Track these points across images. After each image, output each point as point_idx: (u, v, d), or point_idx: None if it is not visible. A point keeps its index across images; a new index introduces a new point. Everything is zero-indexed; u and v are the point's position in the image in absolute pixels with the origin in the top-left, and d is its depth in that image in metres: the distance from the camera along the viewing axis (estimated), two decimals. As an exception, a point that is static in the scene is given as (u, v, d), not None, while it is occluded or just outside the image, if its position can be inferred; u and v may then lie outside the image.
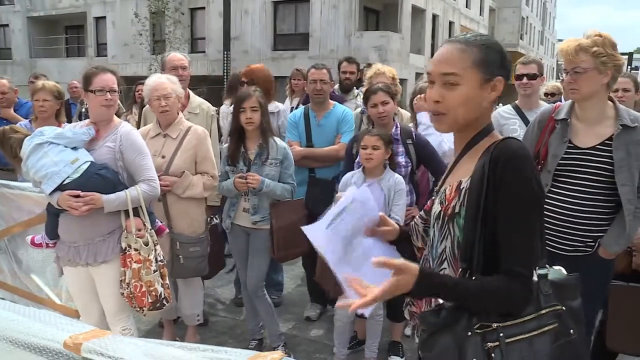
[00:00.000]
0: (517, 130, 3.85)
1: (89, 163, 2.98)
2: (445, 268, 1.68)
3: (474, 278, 1.54)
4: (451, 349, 1.51)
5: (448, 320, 1.53)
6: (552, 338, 1.51)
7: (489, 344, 1.47)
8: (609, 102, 2.80)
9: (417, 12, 25.67)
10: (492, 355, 1.46)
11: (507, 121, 3.93)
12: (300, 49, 23.10)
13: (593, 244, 2.75)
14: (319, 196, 3.92)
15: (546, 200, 2.80)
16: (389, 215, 3.42)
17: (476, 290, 1.50)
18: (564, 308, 1.54)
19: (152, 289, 3.09)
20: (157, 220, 3.42)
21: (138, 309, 3.15)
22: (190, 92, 4.37)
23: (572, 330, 1.53)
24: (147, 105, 3.95)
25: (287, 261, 4.27)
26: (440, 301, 1.56)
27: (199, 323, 4.12)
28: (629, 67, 32.93)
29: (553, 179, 2.81)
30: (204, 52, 25.60)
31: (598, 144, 2.72)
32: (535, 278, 1.55)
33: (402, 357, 3.91)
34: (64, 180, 2.93)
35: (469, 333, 1.49)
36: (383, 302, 3.94)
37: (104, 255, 3.11)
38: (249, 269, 3.83)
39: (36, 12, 30.66)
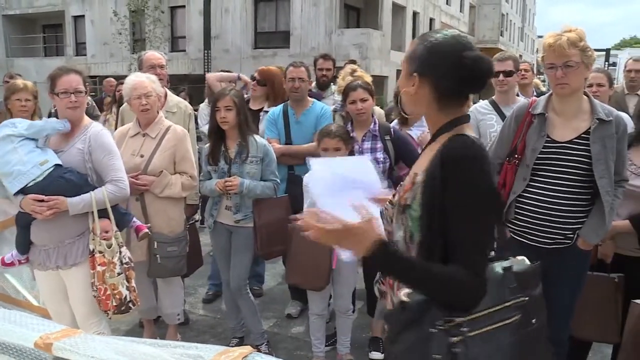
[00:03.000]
0: (494, 125, 3.89)
1: (54, 166, 2.95)
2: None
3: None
4: (416, 346, 1.52)
5: (412, 318, 1.54)
6: (515, 328, 1.53)
7: (453, 339, 1.48)
8: (584, 96, 2.84)
9: (398, 9, 25.74)
10: (455, 350, 1.48)
11: (484, 116, 3.96)
12: (281, 47, 23.02)
13: (572, 235, 2.80)
14: (298, 193, 3.91)
15: (525, 194, 2.85)
16: None
17: (429, 275, 1.52)
18: (527, 299, 1.56)
19: (116, 292, 3.05)
20: (135, 219, 3.40)
21: (104, 312, 3.12)
22: (168, 91, 4.35)
23: (534, 320, 1.56)
24: (125, 104, 3.93)
25: (271, 258, 4.26)
26: (404, 299, 1.56)
27: (179, 322, 4.11)
28: (606, 63, 33.38)
29: (531, 173, 2.84)
30: (184, 50, 25.43)
31: (575, 138, 2.77)
32: (500, 271, 1.57)
33: (382, 353, 3.93)
34: (29, 183, 2.90)
35: (433, 329, 1.50)
36: (356, 298, 3.99)
37: (74, 257, 3.08)
38: (232, 268, 3.82)
39: (12, 11, 30.12)
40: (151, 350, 1.14)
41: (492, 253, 1.62)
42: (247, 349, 1.09)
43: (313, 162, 1.81)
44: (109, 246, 3.06)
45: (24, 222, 3.06)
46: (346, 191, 1.73)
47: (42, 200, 2.89)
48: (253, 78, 4.93)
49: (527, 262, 1.67)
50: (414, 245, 1.63)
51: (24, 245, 3.15)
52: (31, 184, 2.90)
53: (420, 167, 1.67)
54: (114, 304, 3.07)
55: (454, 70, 1.60)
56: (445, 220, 1.53)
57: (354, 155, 3.63)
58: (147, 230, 3.42)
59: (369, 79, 4.46)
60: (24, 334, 1.22)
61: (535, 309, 1.60)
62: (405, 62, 1.70)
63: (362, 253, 1.55)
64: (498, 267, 1.58)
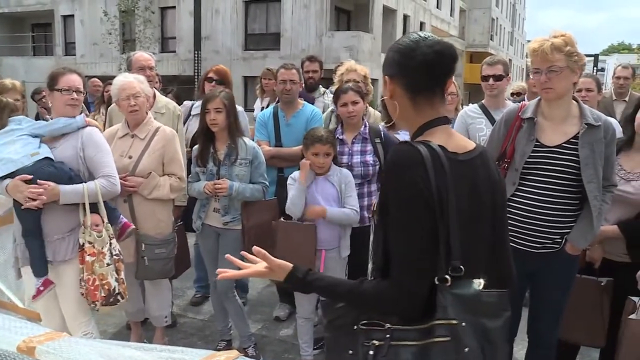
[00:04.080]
0: (483, 129, 3.89)
1: (45, 158, 3.00)
2: (372, 260, 1.79)
3: (355, 281, 1.63)
4: (339, 337, 1.61)
5: (342, 312, 1.62)
6: (442, 351, 1.44)
7: (374, 342, 1.51)
8: (573, 101, 2.85)
9: (388, 12, 25.84)
10: (370, 352, 1.50)
11: (473, 120, 3.97)
12: (272, 48, 23.05)
13: (560, 240, 2.80)
14: (287, 196, 3.89)
15: (514, 198, 2.85)
16: (344, 207, 3.50)
17: (345, 293, 1.62)
18: (463, 324, 1.45)
19: (104, 282, 3.06)
20: (121, 217, 3.38)
21: (92, 305, 3.10)
22: (157, 92, 4.32)
23: (466, 349, 1.44)
24: (113, 105, 3.90)
25: (259, 262, 4.23)
26: None
27: (167, 325, 4.08)
28: (595, 68, 33.69)
29: (520, 177, 2.84)
30: (174, 51, 25.38)
31: (564, 142, 2.77)
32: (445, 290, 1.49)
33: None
34: (17, 170, 2.93)
35: (355, 327, 1.56)
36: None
37: (63, 254, 3.07)
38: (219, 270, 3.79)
39: (0, 9, 29.95)
40: (137, 354, 1.12)
41: (461, 267, 1.50)
42: (233, 353, 1.08)
43: None
44: (100, 236, 3.07)
45: (31, 223, 3.01)
46: None
47: (30, 182, 2.90)
48: (210, 78, 4.74)
49: (478, 287, 1.52)
50: (378, 246, 1.65)
51: (41, 260, 3.05)
52: (19, 171, 2.94)
53: None
54: (102, 294, 3.06)
55: (419, 64, 1.61)
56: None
57: (336, 158, 3.63)
58: (133, 227, 3.41)
59: (366, 71, 4.46)
60: (7, 337, 1.20)
61: (479, 339, 1.47)
62: (382, 70, 1.74)
63: (282, 279, 1.73)
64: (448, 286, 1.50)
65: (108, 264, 3.08)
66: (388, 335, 1.49)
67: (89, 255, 3.03)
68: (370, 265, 1.75)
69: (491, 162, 1.73)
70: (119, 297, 3.14)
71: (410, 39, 1.65)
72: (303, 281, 1.68)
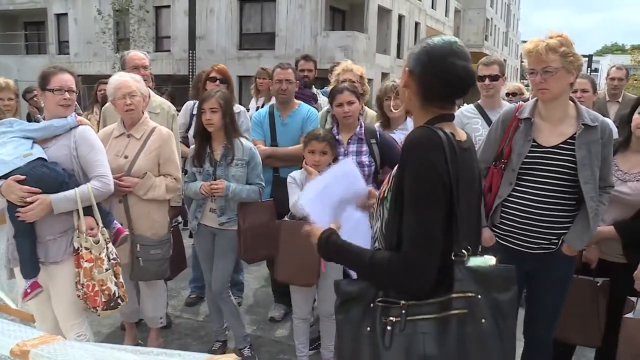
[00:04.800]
0: (479, 129, 3.89)
1: (38, 159, 2.96)
2: (376, 246, 1.80)
3: (369, 249, 1.72)
4: (355, 316, 1.63)
5: (359, 291, 1.66)
6: (458, 323, 1.53)
7: (392, 318, 1.55)
8: (570, 102, 2.85)
9: (383, 12, 25.83)
10: (389, 328, 1.54)
11: (469, 120, 3.97)
12: (267, 48, 23.00)
13: (557, 241, 2.80)
14: (283, 196, 3.88)
15: (511, 198, 2.85)
16: None
17: (364, 260, 1.66)
18: (479, 296, 1.55)
19: (104, 287, 3.04)
20: (115, 222, 3.35)
21: (92, 310, 3.08)
22: (151, 92, 4.29)
23: (483, 320, 1.54)
24: (108, 104, 3.87)
25: (255, 262, 4.23)
26: (355, 274, 1.70)
27: (162, 326, 4.05)
28: (588, 69, 33.84)
29: (517, 178, 2.84)
30: (169, 51, 25.29)
31: (561, 143, 2.77)
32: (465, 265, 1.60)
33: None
34: (10, 172, 2.90)
35: (372, 304, 1.60)
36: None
37: (54, 255, 3.04)
38: (214, 270, 3.79)
39: (-8, 7, 29.80)
40: (132, 357, 1.11)
41: (468, 247, 1.62)
42: (231, 356, 1.07)
43: (301, 199, 2.01)
44: (97, 242, 3.04)
45: (22, 225, 2.97)
46: (346, 217, 1.94)
47: (23, 182, 2.88)
48: (214, 78, 4.68)
49: (491, 261, 1.67)
50: (388, 234, 1.71)
51: (31, 262, 3.03)
52: (12, 173, 2.91)
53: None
54: (103, 299, 3.04)
55: (440, 72, 1.68)
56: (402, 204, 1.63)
57: (338, 160, 3.61)
58: (126, 233, 3.37)
59: (362, 71, 4.45)
60: (0, 340, 1.18)
61: (493, 312, 1.57)
62: (405, 60, 1.79)
63: (315, 241, 1.83)
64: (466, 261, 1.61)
65: (107, 269, 3.07)
66: (404, 311, 1.54)
67: (86, 261, 2.99)
68: (378, 246, 1.79)
69: (474, 151, 1.89)
70: (119, 301, 3.14)
71: (444, 43, 1.69)
72: (325, 240, 1.79)
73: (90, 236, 3.03)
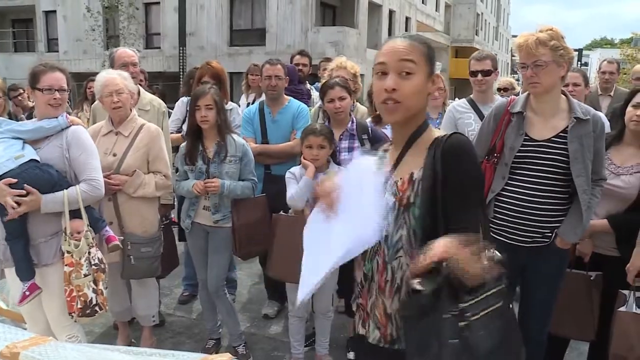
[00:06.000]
0: (472, 124, 3.88)
1: (30, 160, 2.90)
2: (400, 256, 1.74)
3: None
4: (432, 332, 1.55)
5: (427, 304, 1.57)
6: (500, 314, 1.58)
7: (461, 324, 1.53)
8: (562, 95, 2.85)
9: (374, 7, 25.82)
10: (464, 334, 1.52)
11: (462, 115, 3.95)
12: (257, 44, 22.93)
13: (550, 234, 2.81)
14: (275, 192, 3.87)
15: (504, 193, 2.86)
16: None
17: None
18: (504, 286, 1.61)
19: (81, 294, 2.97)
20: (107, 229, 3.29)
21: (69, 315, 3.02)
22: (141, 89, 4.25)
23: (510, 305, 1.63)
24: (97, 102, 3.83)
25: (249, 258, 4.21)
26: (418, 287, 1.56)
27: (154, 324, 4.03)
28: (578, 62, 34.00)
29: (510, 172, 2.84)
30: (159, 48, 25.15)
31: (553, 136, 2.77)
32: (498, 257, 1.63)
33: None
34: (2, 175, 2.84)
35: (446, 315, 1.54)
36: (336, 299, 3.96)
37: (46, 257, 3.00)
38: (209, 268, 3.76)
39: (-22, 4, 29.45)
40: (125, 357, 1.09)
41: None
42: (225, 356, 1.05)
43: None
44: (77, 246, 2.97)
45: (13, 227, 2.93)
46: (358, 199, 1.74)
47: (15, 185, 2.81)
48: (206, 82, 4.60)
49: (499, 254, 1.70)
50: (417, 242, 1.68)
51: (26, 264, 2.98)
52: (5, 175, 2.84)
53: (413, 166, 1.72)
54: (79, 306, 2.98)
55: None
56: (446, 212, 1.63)
57: (335, 155, 3.59)
58: (117, 242, 3.29)
59: (356, 69, 4.43)
60: (-10, 342, 1.16)
61: (509, 297, 1.66)
62: (424, 60, 1.71)
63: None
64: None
65: (85, 275, 2.98)
66: (468, 314, 1.52)
67: (66, 265, 2.94)
68: (398, 236, 1.74)
69: None
70: (96, 309, 3.04)
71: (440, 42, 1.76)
72: None
73: (75, 240, 2.97)
